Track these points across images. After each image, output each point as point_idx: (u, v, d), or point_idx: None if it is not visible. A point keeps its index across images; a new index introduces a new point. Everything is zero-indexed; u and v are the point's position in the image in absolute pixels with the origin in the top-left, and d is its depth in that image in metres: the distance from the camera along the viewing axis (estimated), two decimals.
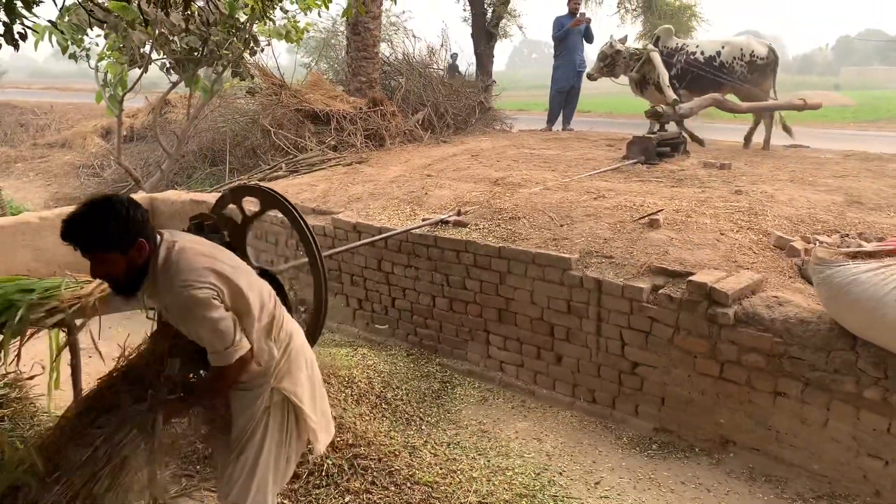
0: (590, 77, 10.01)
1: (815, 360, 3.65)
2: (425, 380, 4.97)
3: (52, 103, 17.38)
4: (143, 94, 11.15)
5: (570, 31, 11.23)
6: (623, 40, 9.44)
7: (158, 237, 2.42)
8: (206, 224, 3.76)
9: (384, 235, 5.12)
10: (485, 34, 13.37)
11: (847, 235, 4.75)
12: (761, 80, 9.18)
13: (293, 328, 2.74)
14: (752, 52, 9.10)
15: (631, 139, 7.94)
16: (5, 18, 2.87)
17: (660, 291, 4.17)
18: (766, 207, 5.28)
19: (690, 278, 4.07)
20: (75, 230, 2.25)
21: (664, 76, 8.83)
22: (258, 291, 2.54)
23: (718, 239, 4.64)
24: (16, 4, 2.66)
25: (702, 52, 9.23)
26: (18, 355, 3.40)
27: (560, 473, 3.94)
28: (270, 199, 3.66)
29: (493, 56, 14.00)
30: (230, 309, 2.39)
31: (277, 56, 12.66)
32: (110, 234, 2.26)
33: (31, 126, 15.62)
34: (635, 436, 4.32)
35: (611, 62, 9.46)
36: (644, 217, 4.90)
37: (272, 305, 2.61)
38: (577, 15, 11.40)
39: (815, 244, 4.54)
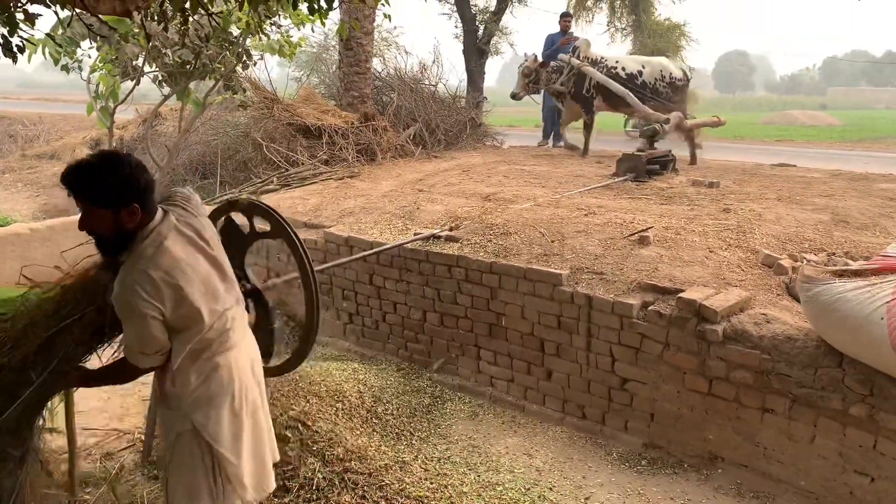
0: (515, 96, 9.89)
1: (803, 377, 3.69)
2: (416, 394, 4.97)
3: (41, 114, 17.31)
4: (134, 106, 11.15)
5: (560, 49, 11.35)
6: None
7: (161, 213, 2.35)
8: None
9: (376, 250, 5.14)
10: (476, 51, 13.49)
11: (834, 254, 4.82)
12: (680, 99, 9.42)
13: (228, 362, 2.49)
14: (671, 73, 9.37)
15: (621, 156, 8.01)
16: (4, 31, 2.89)
17: (650, 308, 4.21)
18: (754, 226, 5.34)
19: (680, 295, 4.12)
20: (74, 175, 2.21)
21: (626, 92, 8.98)
22: (212, 317, 2.40)
23: (707, 256, 4.69)
24: (16, 17, 2.69)
25: (623, 69, 9.39)
26: None
27: (550, 489, 3.95)
28: (263, 214, 3.68)
29: (485, 72, 14.11)
30: (171, 323, 2.31)
31: (269, 70, 12.69)
32: (106, 188, 2.21)
33: (20, 137, 15.55)
34: (625, 451, 4.34)
35: (535, 77, 9.61)
36: (634, 234, 4.95)
37: (214, 335, 2.42)
38: (567, 34, 11.52)
39: (802, 262, 4.60)
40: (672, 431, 4.21)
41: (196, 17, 5.06)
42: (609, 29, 19.65)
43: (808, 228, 5.39)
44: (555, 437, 4.56)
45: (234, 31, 8.04)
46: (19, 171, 13.32)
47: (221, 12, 5.49)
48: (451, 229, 5.41)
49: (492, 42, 13.99)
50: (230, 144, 9.70)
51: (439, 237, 5.27)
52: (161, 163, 9.27)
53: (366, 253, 5.17)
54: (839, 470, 3.66)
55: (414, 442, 4.38)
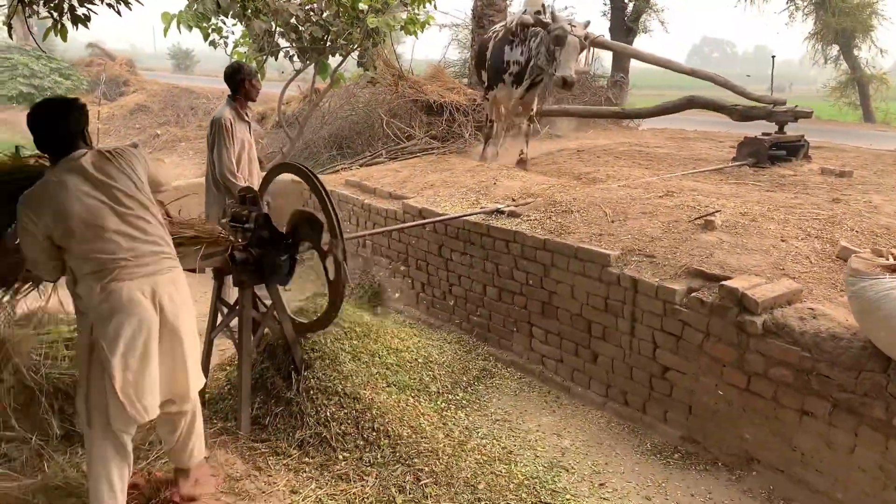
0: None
1: (845, 381, 3.35)
2: (466, 366, 4.99)
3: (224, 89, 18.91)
4: (297, 84, 11.84)
5: None
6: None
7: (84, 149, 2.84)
8: (248, 197, 4.08)
9: (431, 220, 5.23)
10: (623, 29, 13.03)
11: None
12: None
13: (138, 287, 2.75)
14: None
15: (742, 140, 7.51)
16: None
17: (692, 294, 3.97)
18: (856, 218, 4.83)
19: (723, 283, 3.85)
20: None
21: None
22: (95, 235, 2.72)
23: (775, 245, 4.32)
24: None
25: None
26: None
27: (567, 470, 3.88)
28: (304, 176, 3.91)
29: None
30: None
31: (414, 49, 13.06)
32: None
33: (200, 110, 17.13)
34: (660, 443, 4.15)
35: None
36: (699, 217, 4.66)
37: (107, 257, 2.73)
38: None
39: (890, 257, 4.11)
40: (709, 426, 3.96)
41: None
42: (788, 7, 18.25)
43: None
44: (592, 420, 4.44)
45: (362, 7, 8.40)
46: (193, 140, 14.76)
47: None
48: (517, 205, 5.36)
49: (641, 20, 13.42)
50: (359, 120, 10.12)
51: (503, 212, 5.24)
52: (292, 136, 9.86)
53: (413, 223, 5.31)
54: (880, 485, 3.29)
55: (449, 407, 4.40)
